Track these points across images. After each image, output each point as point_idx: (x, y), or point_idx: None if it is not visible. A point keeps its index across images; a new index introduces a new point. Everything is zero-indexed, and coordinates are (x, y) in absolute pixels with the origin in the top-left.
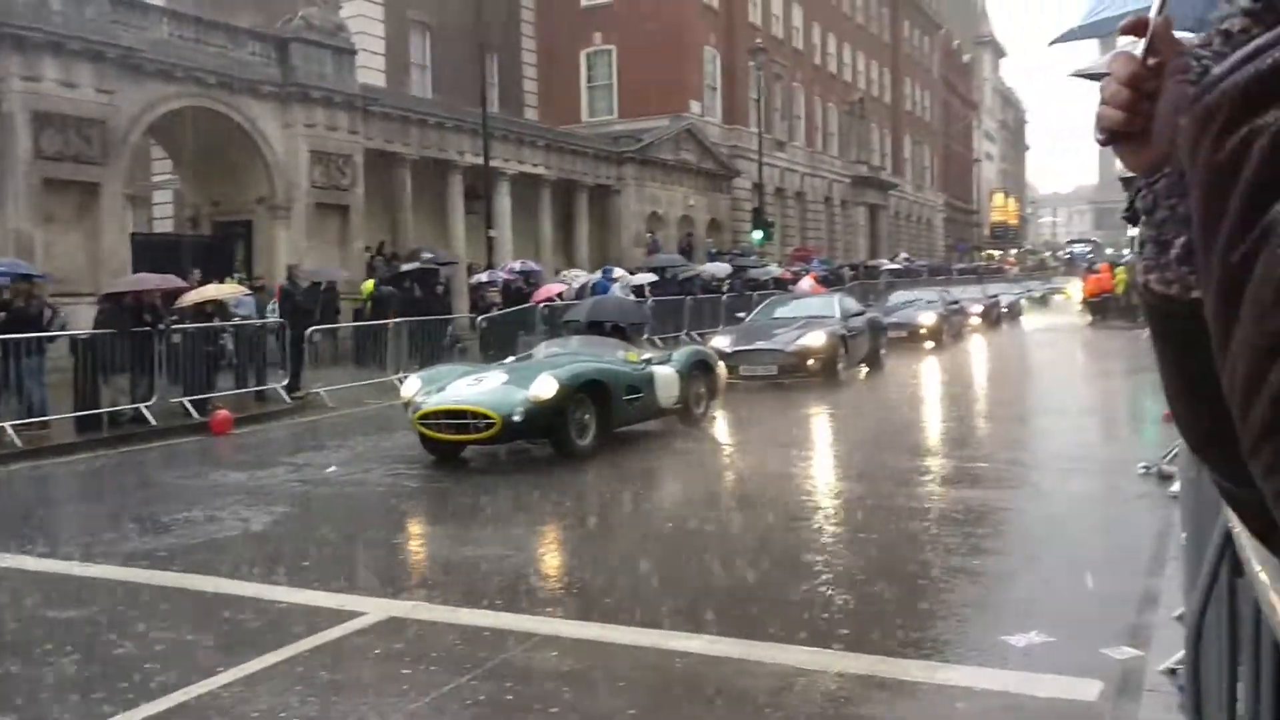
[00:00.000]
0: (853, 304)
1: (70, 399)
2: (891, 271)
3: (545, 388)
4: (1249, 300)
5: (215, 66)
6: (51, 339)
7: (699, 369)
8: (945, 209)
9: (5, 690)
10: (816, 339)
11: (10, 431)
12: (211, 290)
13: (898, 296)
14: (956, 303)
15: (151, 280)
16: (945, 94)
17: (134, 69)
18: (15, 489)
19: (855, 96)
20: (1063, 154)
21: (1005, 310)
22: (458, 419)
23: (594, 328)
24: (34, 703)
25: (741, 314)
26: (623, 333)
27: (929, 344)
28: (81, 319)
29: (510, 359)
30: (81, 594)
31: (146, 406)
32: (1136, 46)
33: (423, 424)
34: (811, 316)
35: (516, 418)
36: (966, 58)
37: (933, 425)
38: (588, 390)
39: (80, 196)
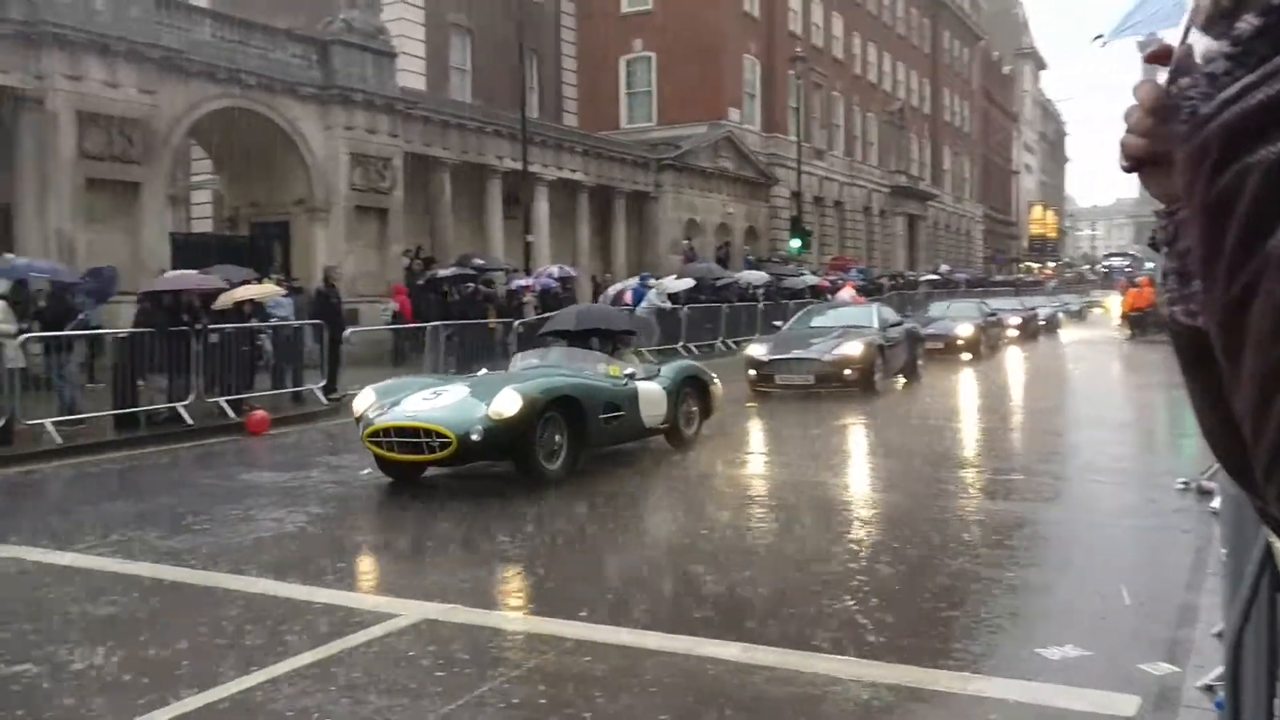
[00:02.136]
0: (890, 314)
1: (110, 397)
2: (929, 282)
3: (508, 404)
4: (1251, 331)
5: (256, 68)
6: (81, 338)
7: (690, 386)
8: (984, 220)
9: (40, 685)
10: (854, 348)
11: (50, 428)
12: (249, 290)
13: (935, 307)
14: (994, 314)
15: (190, 280)
16: (985, 105)
17: (176, 69)
18: (53, 486)
19: (895, 106)
20: (1103, 167)
21: (1043, 323)
22: (410, 437)
23: (578, 338)
24: (68, 698)
25: (778, 322)
26: (612, 343)
27: (966, 355)
28: (121, 318)
29: (482, 370)
30: (117, 591)
31: (184, 406)
32: (1160, 74)
33: (372, 442)
34: (849, 326)
35: (475, 436)
36: (1007, 69)
37: (969, 437)
38: (559, 407)
39: (122, 196)
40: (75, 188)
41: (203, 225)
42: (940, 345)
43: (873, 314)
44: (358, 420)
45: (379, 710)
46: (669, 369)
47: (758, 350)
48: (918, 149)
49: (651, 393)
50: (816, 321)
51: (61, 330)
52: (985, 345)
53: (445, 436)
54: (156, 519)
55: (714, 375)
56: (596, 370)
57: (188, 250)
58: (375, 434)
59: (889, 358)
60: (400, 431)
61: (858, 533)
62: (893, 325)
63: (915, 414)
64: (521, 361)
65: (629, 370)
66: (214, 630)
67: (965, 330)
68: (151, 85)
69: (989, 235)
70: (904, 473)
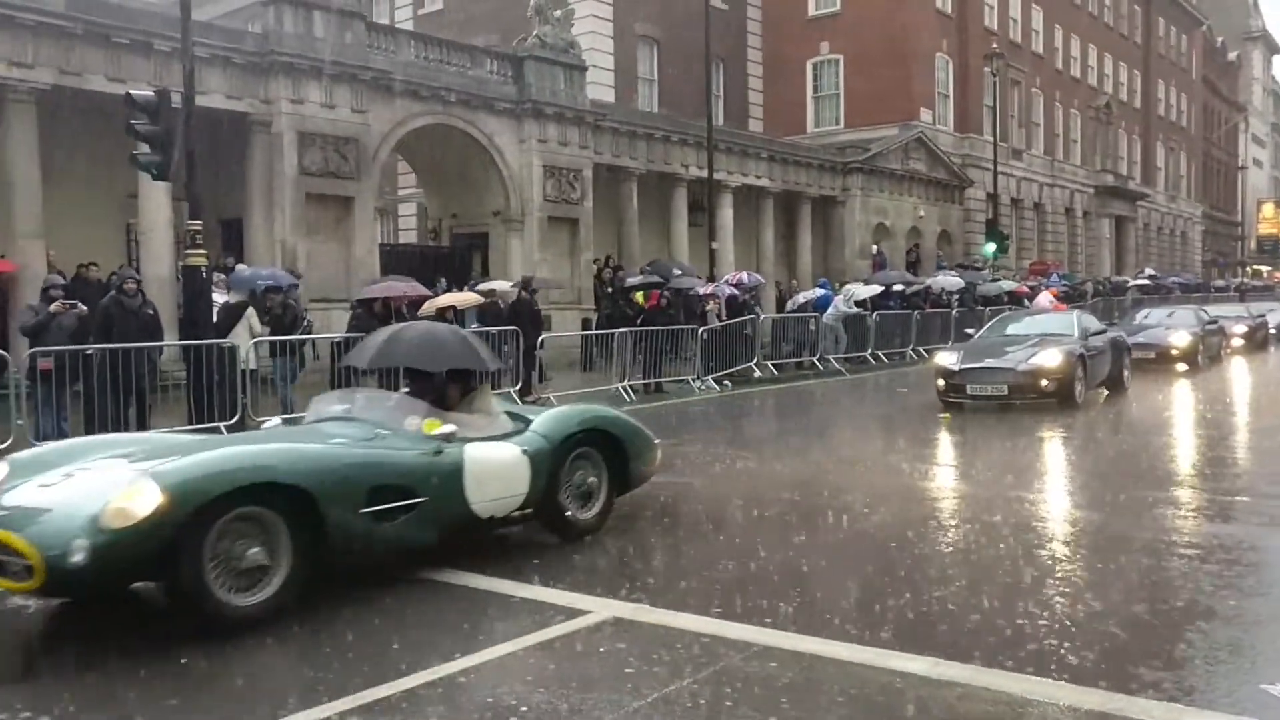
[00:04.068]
0: (1093, 322)
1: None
2: (1139, 287)
3: (139, 501)
4: None
5: (456, 85)
6: (303, 343)
7: (590, 445)
8: (1203, 220)
9: (247, 663)
10: (1051, 358)
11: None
12: (451, 298)
13: (1145, 314)
14: (1215, 322)
15: (399, 287)
16: (1206, 96)
17: (385, 89)
18: None
19: (1101, 101)
20: None
21: (1274, 331)
22: None
23: (419, 374)
24: (280, 678)
25: (971, 330)
26: (464, 380)
27: (1181, 366)
28: (336, 323)
29: (272, 421)
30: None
31: None
32: None
33: None
34: (1047, 334)
35: (75, 558)
36: (1232, 55)
37: (1183, 454)
38: (264, 499)
39: (337, 209)
40: (296, 202)
41: (408, 236)
42: (1151, 355)
43: (1073, 321)
44: None
45: (571, 702)
46: (547, 420)
47: (948, 359)
48: (1126, 146)
49: (493, 462)
50: (1012, 329)
51: (290, 336)
52: (1204, 355)
53: (27, 557)
54: None
55: (643, 431)
56: (403, 426)
57: (394, 260)
58: None
59: (1091, 368)
60: None
61: (1057, 551)
62: (1095, 333)
63: (1120, 428)
64: (316, 408)
65: (447, 429)
66: (421, 618)
67: (1180, 339)
68: (363, 105)
69: (1209, 236)
70: (1106, 490)
